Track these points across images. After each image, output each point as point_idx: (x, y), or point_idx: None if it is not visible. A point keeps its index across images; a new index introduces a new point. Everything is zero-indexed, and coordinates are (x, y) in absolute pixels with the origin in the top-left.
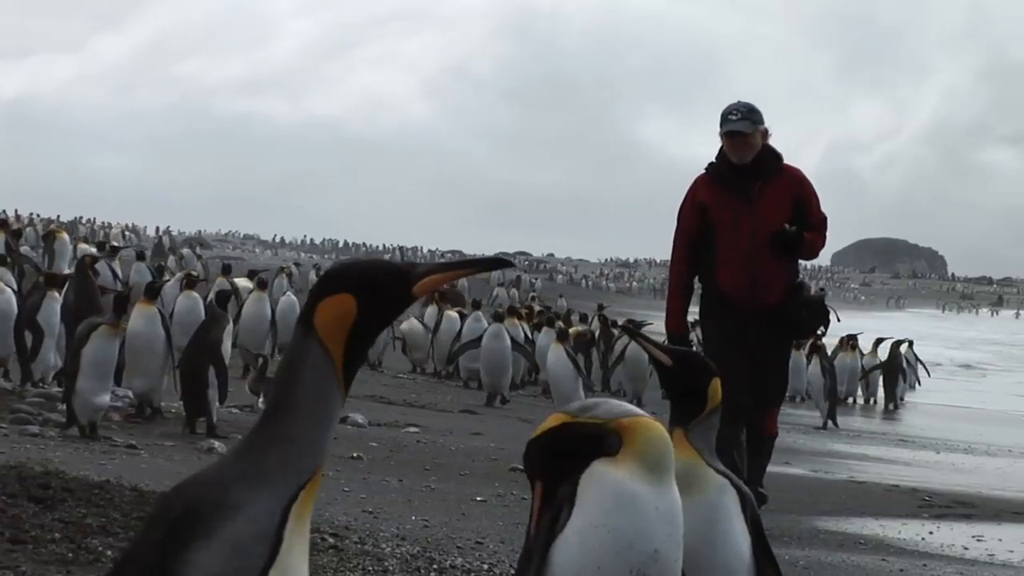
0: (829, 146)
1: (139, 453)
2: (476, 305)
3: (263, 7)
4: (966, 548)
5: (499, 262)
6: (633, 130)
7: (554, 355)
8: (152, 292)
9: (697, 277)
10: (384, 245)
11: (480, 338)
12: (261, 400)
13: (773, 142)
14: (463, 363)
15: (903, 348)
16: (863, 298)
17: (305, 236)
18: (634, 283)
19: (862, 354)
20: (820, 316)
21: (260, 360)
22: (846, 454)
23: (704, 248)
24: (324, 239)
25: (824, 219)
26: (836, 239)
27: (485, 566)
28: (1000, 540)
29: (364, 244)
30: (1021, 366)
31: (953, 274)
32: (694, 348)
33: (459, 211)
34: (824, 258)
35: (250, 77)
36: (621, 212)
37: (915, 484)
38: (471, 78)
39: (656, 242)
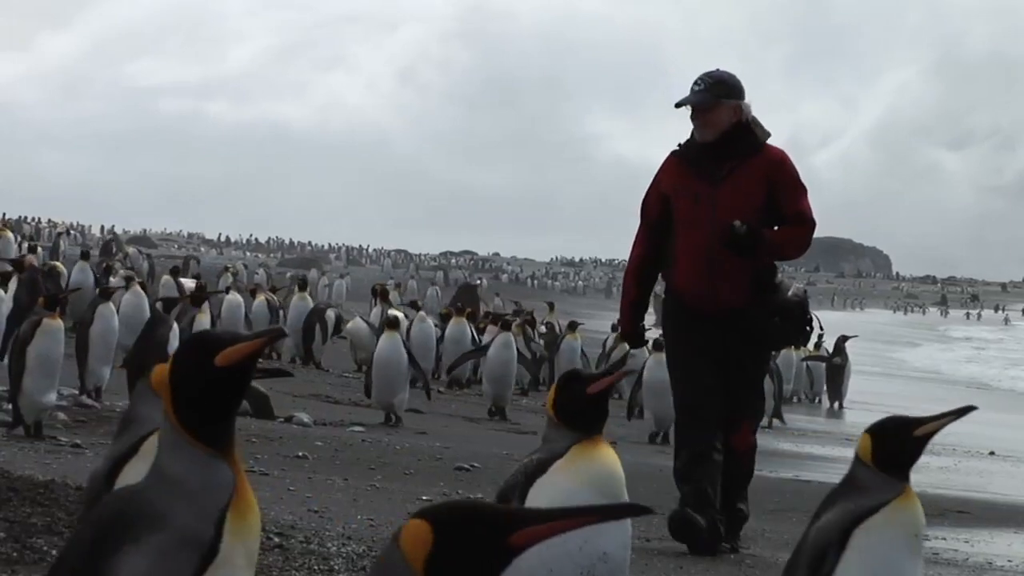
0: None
1: (84, 452)
2: (415, 306)
3: (211, 8)
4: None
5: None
6: (581, 130)
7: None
8: (106, 295)
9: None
10: (330, 244)
11: (486, 347)
12: None
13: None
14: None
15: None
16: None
17: (251, 235)
18: (580, 282)
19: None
20: (796, 323)
21: None
22: (792, 453)
23: (666, 241)
24: (270, 238)
25: (802, 212)
26: None
27: None
28: (944, 539)
29: (310, 243)
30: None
31: (898, 273)
32: (648, 347)
33: (406, 210)
34: None
35: (196, 77)
36: (568, 211)
37: None
38: (419, 79)
39: (603, 242)
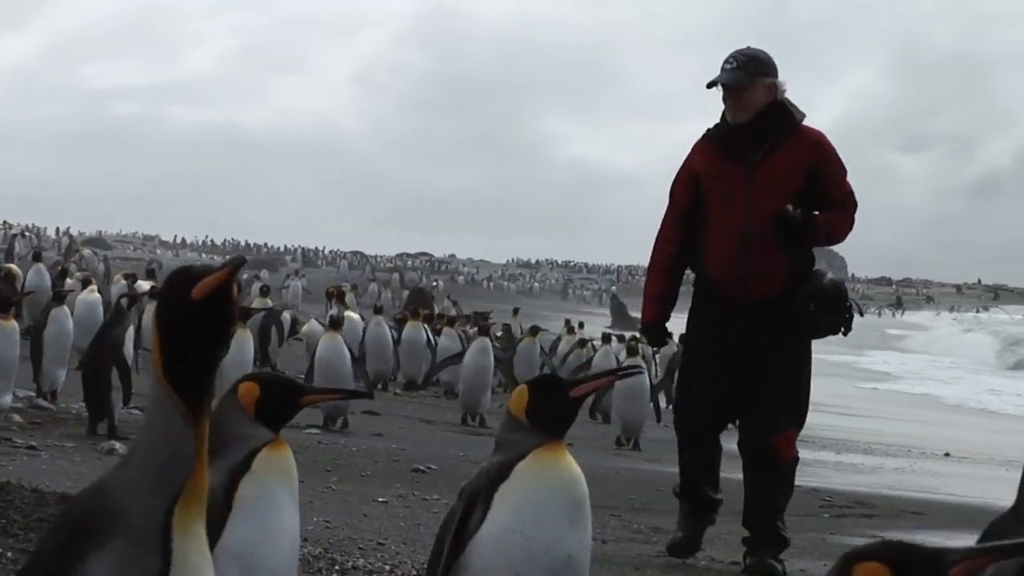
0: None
1: (39, 454)
2: (378, 310)
3: (168, 10)
4: None
5: None
6: (537, 132)
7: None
8: (59, 298)
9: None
10: (285, 246)
11: (463, 353)
12: None
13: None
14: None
15: None
16: None
17: (207, 236)
18: (536, 284)
19: None
20: (836, 311)
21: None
22: None
23: (696, 228)
24: (225, 240)
25: (849, 193)
26: None
27: (387, 567)
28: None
29: (266, 245)
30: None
31: (853, 274)
32: (674, 343)
33: (362, 213)
34: None
35: (153, 79)
36: (525, 213)
37: (816, 484)
38: (376, 81)
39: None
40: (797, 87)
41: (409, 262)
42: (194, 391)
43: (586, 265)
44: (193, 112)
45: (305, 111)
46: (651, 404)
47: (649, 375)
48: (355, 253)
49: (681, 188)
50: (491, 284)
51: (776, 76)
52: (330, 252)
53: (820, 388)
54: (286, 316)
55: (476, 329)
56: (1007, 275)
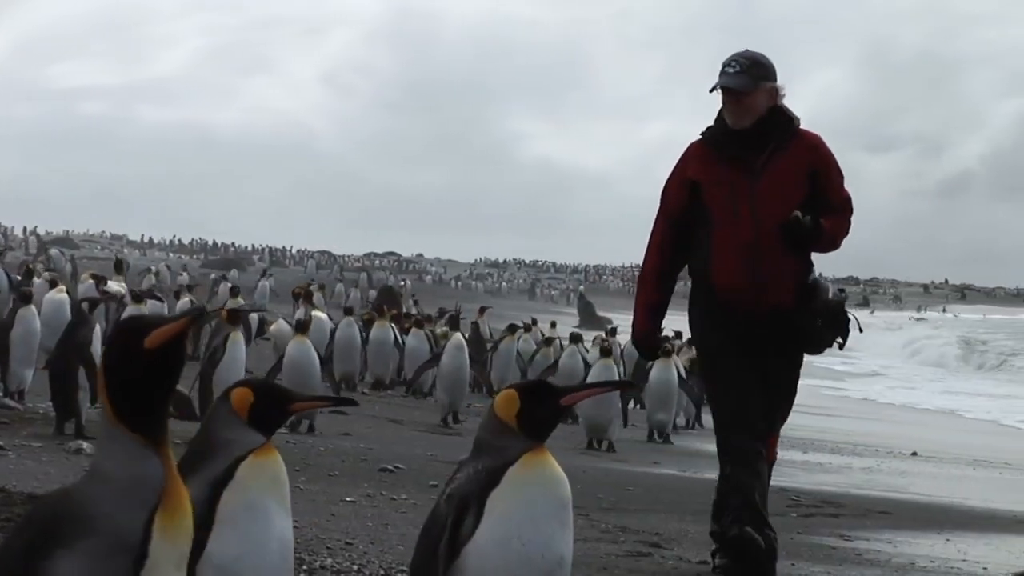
0: None
1: (7, 454)
2: (348, 311)
3: (137, 10)
4: (834, 548)
5: None
6: (505, 132)
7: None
8: (26, 298)
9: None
10: (253, 245)
11: (438, 356)
12: None
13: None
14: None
15: None
16: None
17: (174, 236)
18: (503, 283)
19: None
20: (838, 325)
21: None
22: (715, 454)
23: (694, 236)
24: (193, 239)
25: (848, 199)
26: None
27: (355, 567)
28: (867, 540)
29: (233, 244)
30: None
31: (821, 273)
32: (670, 351)
33: (330, 213)
34: None
35: (121, 79)
36: (492, 213)
37: (783, 483)
38: (344, 82)
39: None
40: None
41: (377, 262)
42: (150, 425)
43: (554, 265)
44: (161, 112)
45: (273, 111)
46: (619, 407)
47: (619, 376)
48: (323, 253)
49: (674, 193)
50: (459, 283)
51: (776, 80)
52: (298, 252)
53: None
54: (253, 316)
55: (448, 326)
56: (974, 275)
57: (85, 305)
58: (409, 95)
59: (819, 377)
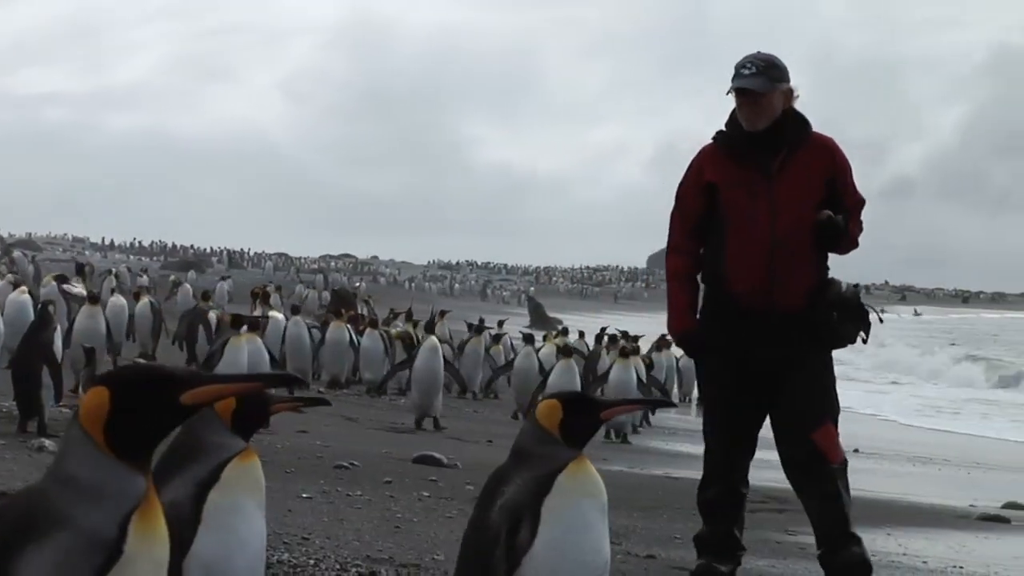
0: (651, 148)
1: None
2: (295, 310)
3: (95, 17)
4: (779, 542)
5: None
6: (458, 137)
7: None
8: None
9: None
10: (211, 248)
11: (414, 358)
12: None
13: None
14: (288, 365)
15: None
16: None
17: (134, 239)
18: (456, 285)
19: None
20: (856, 319)
21: (86, 355)
22: (662, 451)
23: (709, 239)
24: (152, 242)
25: (862, 201)
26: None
27: (311, 561)
28: (811, 534)
29: (192, 246)
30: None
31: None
32: (628, 352)
33: (287, 216)
34: (640, 259)
35: (84, 86)
36: (445, 216)
37: None
38: (302, 89)
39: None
40: (711, 92)
41: (333, 263)
42: (143, 457)
43: (505, 266)
44: (124, 118)
45: (233, 117)
46: None
47: (579, 376)
48: (280, 255)
49: (691, 198)
50: (412, 285)
51: (790, 81)
52: (255, 254)
53: None
54: (212, 316)
55: (425, 329)
56: (915, 277)
57: (52, 308)
58: (365, 101)
59: None
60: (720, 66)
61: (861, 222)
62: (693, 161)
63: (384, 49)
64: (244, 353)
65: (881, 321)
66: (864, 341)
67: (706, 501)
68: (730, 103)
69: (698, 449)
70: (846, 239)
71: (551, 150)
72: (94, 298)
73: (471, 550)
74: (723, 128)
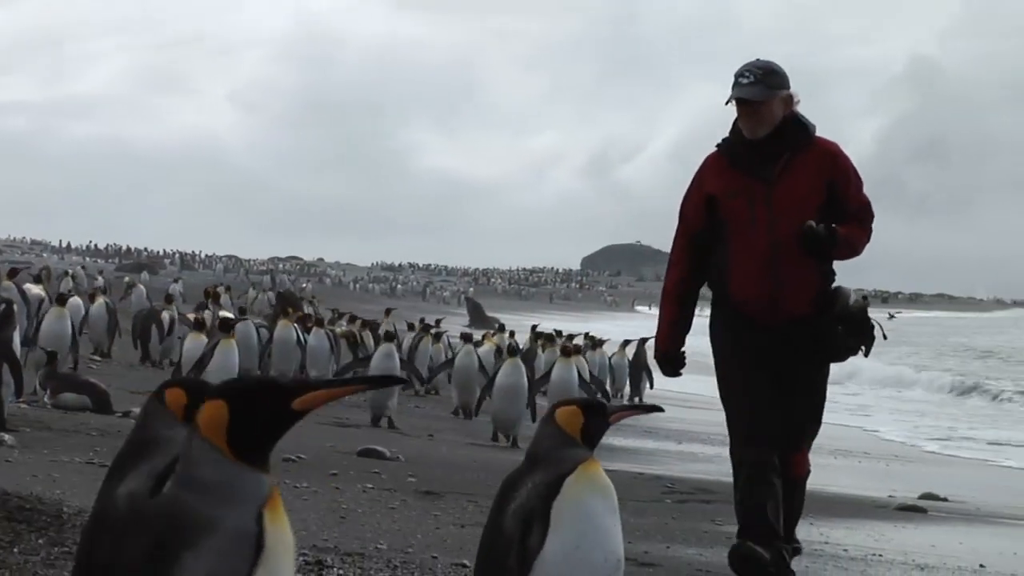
0: (585, 155)
1: None
2: (242, 311)
3: (54, 26)
4: (706, 532)
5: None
6: (401, 144)
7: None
8: None
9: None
10: (164, 250)
11: (368, 358)
12: (48, 395)
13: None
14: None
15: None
16: (610, 299)
17: (90, 242)
18: (399, 286)
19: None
20: (861, 332)
21: (47, 356)
22: (606, 446)
23: (713, 248)
24: (108, 244)
25: (866, 205)
26: (587, 244)
27: None
28: (736, 524)
29: (146, 249)
30: None
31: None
32: (571, 351)
33: (238, 220)
34: (574, 261)
35: (43, 95)
36: (389, 219)
37: (659, 472)
38: (252, 98)
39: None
40: (643, 102)
41: (281, 265)
42: (262, 458)
43: (445, 268)
44: (81, 126)
45: (185, 125)
46: (527, 403)
47: (527, 374)
48: (230, 257)
49: (693, 209)
50: (357, 286)
51: (789, 87)
52: (206, 256)
53: (661, 382)
54: (165, 316)
55: (384, 334)
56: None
57: (15, 307)
58: (312, 110)
59: (695, 372)
60: (651, 77)
61: (869, 230)
62: (696, 172)
63: (330, 60)
64: (235, 354)
65: (885, 337)
66: (865, 355)
67: (738, 489)
68: (731, 112)
69: (630, 442)
70: (836, 248)
71: (490, 157)
72: (62, 299)
73: (487, 555)
74: (727, 136)
